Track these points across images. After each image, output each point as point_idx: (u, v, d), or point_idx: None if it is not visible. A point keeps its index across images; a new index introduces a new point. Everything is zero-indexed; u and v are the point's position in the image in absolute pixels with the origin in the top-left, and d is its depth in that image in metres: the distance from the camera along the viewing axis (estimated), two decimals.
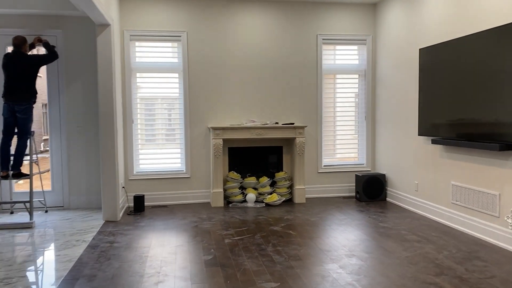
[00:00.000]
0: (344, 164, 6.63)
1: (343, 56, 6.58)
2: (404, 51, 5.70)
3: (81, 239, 4.40)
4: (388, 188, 6.23)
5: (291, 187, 6.28)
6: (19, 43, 5.03)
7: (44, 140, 14.74)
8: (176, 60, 6.10)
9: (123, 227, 4.86)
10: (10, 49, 5.11)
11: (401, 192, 5.86)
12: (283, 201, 6.09)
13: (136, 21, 5.89)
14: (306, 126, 6.14)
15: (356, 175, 6.30)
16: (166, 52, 6.11)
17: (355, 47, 6.59)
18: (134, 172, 6.03)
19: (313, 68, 6.41)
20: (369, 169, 6.65)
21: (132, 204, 5.89)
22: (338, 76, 6.58)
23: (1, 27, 5.49)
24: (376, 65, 6.51)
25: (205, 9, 6.08)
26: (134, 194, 5.91)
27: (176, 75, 6.12)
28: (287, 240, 4.32)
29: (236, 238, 4.40)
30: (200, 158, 6.20)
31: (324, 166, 6.56)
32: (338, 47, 6.55)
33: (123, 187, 5.73)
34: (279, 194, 6.11)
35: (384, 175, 6.24)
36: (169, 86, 6.12)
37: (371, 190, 6.19)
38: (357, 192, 6.28)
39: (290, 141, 6.33)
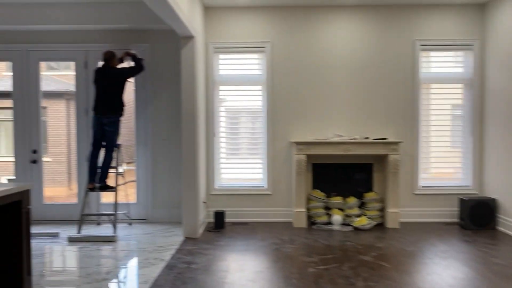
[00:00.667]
0: (445, 186, 5.84)
1: (444, 64, 5.85)
2: None
3: (160, 257, 4.27)
4: (501, 216, 5.34)
5: (382, 209, 5.66)
6: (108, 57, 5.14)
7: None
8: (259, 72, 5.87)
9: (202, 246, 4.66)
10: (101, 64, 5.25)
11: None
12: (374, 226, 5.50)
13: (219, 33, 5.77)
14: (401, 142, 5.51)
15: (460, 198, 5.50)
16: (250, 64, 5.90)
17: (459, 53, 5.83)
18: (216, 187, 5.87)
19: (409, 77, 5.77)
20: (476, 192, 5.79)
21: (212, 220, 5.72)
22: (438, 85, 5.85)
23: (93, 42, 5.69)
24: (485, 73, 5.67)
25: (290, 17, 5.77)
26: (215, 209, 5.74)
27: (259, 87, 5.87)
28: (380, 273, 3.78)
29: (320, 267, 3.95)
30: (282, 174, 5.85)
31: (422, 187, 5.84)
32: (438, 53, 5.84)
33: (204, 202, 5.59)
34: (368, 217, 5.54)
35: (494, 200, 5.36)
36: (252, 99, 5.90)
37: (479, 217, 5.35)
38: (461, 218, 5.47)
39: (382, 158, 5.73)
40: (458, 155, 5.86)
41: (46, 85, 12.91)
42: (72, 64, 5.79)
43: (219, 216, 5.47)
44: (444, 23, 5.72)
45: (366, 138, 5.64)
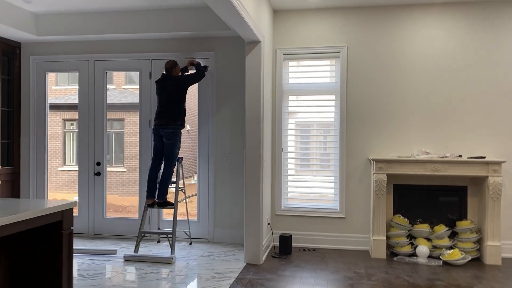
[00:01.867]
0: None
1: None
2: None
3: (217, 286, 3.80)
4: None
5: (479, 241, 4.75)
6: (170, 66, 4.87)
7: None
8: (332, 80, 5.27)
9: (265, 275, 4.12)
10: (162, 74, 4.98)
11: None
12: (468, 261, 4.60)
13: (289, 39, 5.28)
14: (504, 162, 4.59)
15: None
16: (322, 71, 5.33)
17: None
18: (282, 207, 5.32)
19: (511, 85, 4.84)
20: None
21: (277, 244, 5.16)
22: None
23: (157, 51, 5.47)
24: None
25: (370, 18, 5.12)
26: (280, 232, 5.19)
27: (332, 97, 5.27)
28: None
29: None
30: (358, 196, 5.16)
31: None
32: None
33: (268, 223, 5.06)
34: (462, 250, 4.65)
35: None
36: (323, 110, 5.31)
37: None
38: None
39: (479, 181, 4.83)
40: None
41: (124, 98, 13.49)
42: (137, 74, 5.62)
43: (285, 240, 4.91)
44: None
45: (460, 156, 4.78)
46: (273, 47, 5.29)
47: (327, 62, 5.33)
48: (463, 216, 4.93)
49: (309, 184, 5.36)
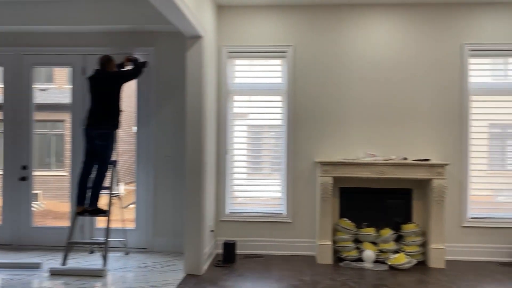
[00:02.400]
0: (502, 217, 4.86)
1: (500, 72, 4.94)
2: None
3: None
4: None
5: (424, 245, 4.72)
6: (104, 62, 4.49)
7: None
8: (279, 80, 5.09)
9: (205, 287, 3.85)
10: (95, 70, 4.58)
11: None
12: (413, 264, 4.55)
13: (235, 36, 5.05)
14: (447, 164, 4.59)
15: None
16: (269, 72, 5.14)
17: None
18: (227, 213, 5.06)
19: (456, 88, 4.87)
20: None
21: (221, 251, 4.89)
22: (492, 98, 4.92)
23: (92, 45, 5.05)
24: None
25: (316, 18, 5.00)
26: (224, 239, 4.92)
27: (279, 98, 5.09)
28: None
29: None
30: (305, 200, 5.00)
31: (472, 218, 4.87)
32: (491, 60, 4.93)
33: (211, 230, 4.78)
34: (407, 254, 4.60)
35: None
36: (270, 111, 5.12)
37: None
38: None
39: (424, 184, 4.81)
40: None
41: (65, 98, 12.68)
42: (69, 70, 5.17)
43: (229, 247, 4.65)
44: (498, 25, 4.83)
45: (405, 159, 4.75)
46: (217, 44, 5.03)
47: (274, 61, 5.15)
48: (408, 219, 4.90)
49: (256, 188, 5.15)
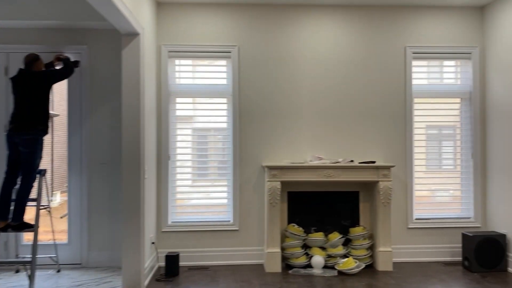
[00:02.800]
0: (443, 218, 4.94)
1: (439, 75, 5.04)
2: None
3: None
4: (511, 255, 4.46)
5: (371, 247, 4.69)
6: (30, 61, 4.04)
7: None
8: (224, 82, 4.88)
9: None
10: (20, 69, 4.12)
11: None
12: (362, 268, 4.50)
13: (176, 34, 4.77)
14: (393, 166, 4.59)
15: (463, 234, 4.60)
16: (213, 72, 4.92)
17: (456, 62, 5.03)
18: (169, 223, 4.76)
19: (400, 90, 4.91)
20: (479, 225, 4.91)
21: (164, 264, 4.57)
22: (433, 100, 5.01)
23: (16, 43, 4.58)
24: (487, 86, 4.87)
25: (262, 17, 4.84)
26: (167, 251, 4.62)
27: (224, 100, 4.88)
28: None
29: None
30: (253, 206, 4.82)
31: (416, 219, 4.92)
32: (432, 62, 5.03)
33: (152, 242, 4.46)
34: (355, 258, 4.55)
35: (504, 235, 4.49)
36: (215, 114, 4.89)
37: (487, 256, 4.45)
38: (465, 258, 4.56)
39: (370, 186, 4.79)
40: (457, 181, 5.00)
41: None
42: None
43: (172, 260, 4.35)
44: (438, 28, 4.93)
45: (351, 161, 4.70)
46: (157, 42, 4.74)
47: (218, 62, 4.93)
48: (356, 222, 4.85)
49: (201, 195, 4.89)
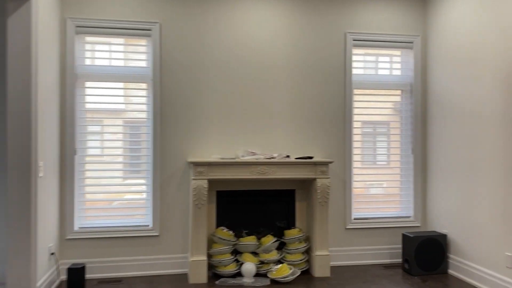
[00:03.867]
0: (383, 218, 4.64)
1: (380, 64, 4.72)
2: (479, 57, 3.82)
3: None
4: (452, 256, 4.22)
5: (308, 251, 4.28)
6: None
7: None
8: (143, 64, 4.23)
9: None
10: None
11: (478, 266, 3.85)
12: (298, 275, 4.06)
13: (85, 7, 4.04)
14: (331, 162, 4.19)
15: (404, 235, 4.31)
16: (129, 53, 4.24)
17: (397, 52, 4.73)
18: (75, 228, 4.04)
19: (340, 80, 4.52)
20: (418, 225, 4.66)
21: (66, 278, 3.85)
22: (374, 91, 4.69)
23: None
24: (428, 78, 4.62)
25: None
26: (72, 262, 3.90)
27: (144, 85, 4.22)
28: None
29: None
30: (176, 208, 4.22)
31: (355, 219, 4.57)
32: (373, 51, 4.69)
33: (52, 253, 3.73)
34: (290, 264, 4.11)
35: (445, 236, 4.25)
36: (132, 101, 4.22)
37: (427, 258, 4.19)
38: (405, 260, 4.27)
39: (307, 184, 4.37)
40: (397, 178, 4.72)
41: None
42: None
43: (76, 273, 3.66)
44: (380, 15, 4.60)
45: (287, 156, 4.25)
46: (61, 14, 3.98)
47: (137, 41, 4.26)
48: (291, 223, 4.42)
49: (114, 196, 4.20)
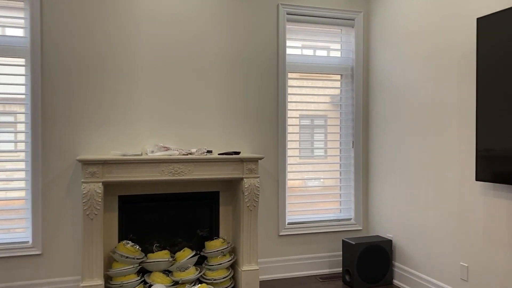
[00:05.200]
0: (320, 221, 4.03)
1: (318, 44, 4.09)
2: (429, 35, 3.28)
3: None
4: (398, 265, 3.70)
5: (234, 265, 3.55)
6: None
7: None
8: (20, 33, 3.25)
9: None
10: None
11: (428, 277, 3.34)
12: None
13: None
14: (261, 158, 3.49)
15: (344, 242, 3.71)
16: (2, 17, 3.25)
17: (337, 29, 4.13)
18: None
19: (272, 62, 3.83)
20: (360, 228, 4.11)
21: None
22: (311, 75, 4.05)
23: None
24: (372, 60, 4.06)
25: None
26: None
27: (22, 61, 3.25)
28: None
29: None
30: (64, 219, 3.30)
31: (290, 224, 3.92)
32: (310, 27, 4.04)
33: None
34: (212, 283, 3.36)
35: (390, 241, 3.72)
36: (5, 81, 3.23)
37: (371, 268, 3.63)
38: (346, 270, 3.68)
39: (234, 185, 3.64)
40: (336, 176, 4.13)
41: None
42: None
43: None
44: None
45: (209, 152, 3.48)
46: None
47: (11, 3, 3.27)
48: (214, 233, 3.67)
49: None
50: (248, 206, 3.43)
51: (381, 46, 3.90)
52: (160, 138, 3.52)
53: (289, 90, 3.91)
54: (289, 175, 3.93)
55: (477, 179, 2.75)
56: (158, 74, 3.49)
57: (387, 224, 3.83)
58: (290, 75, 3.93)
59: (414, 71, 3.47)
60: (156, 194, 3.51)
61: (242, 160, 3.41)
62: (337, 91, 4.11)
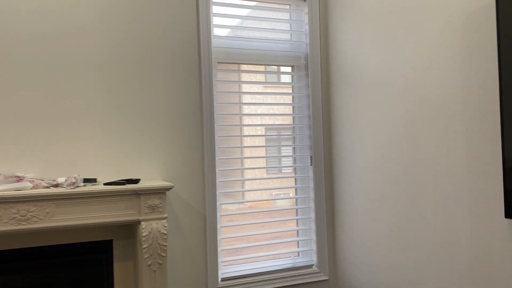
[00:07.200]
0: (268, 272, 2.82)
1: (260, 24, 2.94)
2: (412, 9, 2.20)
3: None
4: None
5: None
6: None
7: None
8: None
9: None
10: None
11: None
12: None
13: None
14: (169, 188, 2.27)
15: None
16: None
17: (284, 4, 3.00)
18: None
19: (192, 50, 2.65)
20: (325, 278, 2.94)
21: None
22: (248, 67, 2.90)
23: None
24: (332, 44, 2.94)
25: None
26: None
27: None
28: None
29: None
30: None
31: (224, 280, 2.70)
32: (246, 2, 2.89)
33: None
34: None
35: None
36: None
37: None
38: None
39: (132, 230, 2.41)
40: (289, 204, 2.96)
41: None
42: None
43: None
44: None
45: (93, 180, 2.25)
46: None
47: None
48: None
49: None
50: (149, 265, 2.20)
51: (344, 24, 2.79)
52: (14, 164, 2.26)
53: (218, 87, 2.74)
54: (224, 207, 2.73)
55: (506, 217, 1.65)
56: (25, 74, 2.25)
57: (361, 269, 2.67)
58: (219, 66, 2.77)
59: (395, 52, 2.36)
60: (10, 250, 2.23)
61: (138, 193, 2.19)
62: (288, 89, 2.97)
